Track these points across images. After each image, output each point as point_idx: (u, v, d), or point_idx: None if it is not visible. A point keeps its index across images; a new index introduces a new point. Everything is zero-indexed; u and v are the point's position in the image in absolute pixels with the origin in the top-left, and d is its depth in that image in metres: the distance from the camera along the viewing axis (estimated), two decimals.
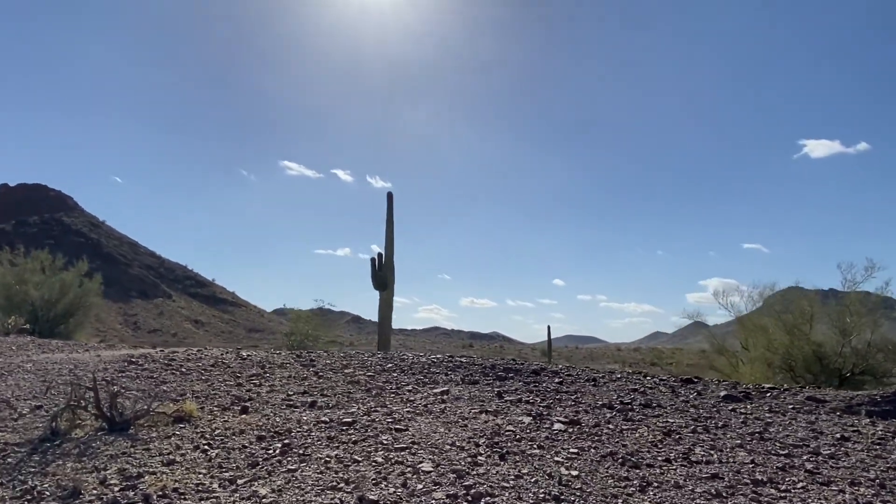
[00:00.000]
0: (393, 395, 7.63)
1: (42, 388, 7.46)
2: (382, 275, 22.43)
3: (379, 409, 6.84)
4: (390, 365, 9.65)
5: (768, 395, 8.43)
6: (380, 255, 23.01)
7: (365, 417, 6.37)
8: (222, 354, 11.13)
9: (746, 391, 8.53)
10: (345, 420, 6.19)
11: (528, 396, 7.75)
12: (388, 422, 6.22)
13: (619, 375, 9.66)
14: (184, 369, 8.87)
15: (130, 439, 5.43)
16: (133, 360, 9.88)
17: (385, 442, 5.48)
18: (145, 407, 6.09)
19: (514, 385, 8.52)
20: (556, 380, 8.89)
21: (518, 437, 5.80)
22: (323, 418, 6.28)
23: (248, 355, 10.93)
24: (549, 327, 30.51)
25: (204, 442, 5.40)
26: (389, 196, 23.84)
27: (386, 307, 22.06)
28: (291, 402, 7.09)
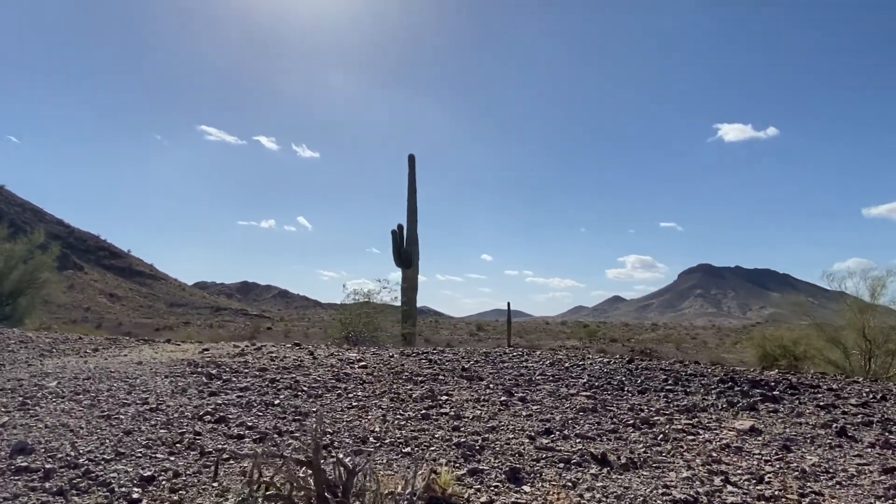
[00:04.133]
0: (684, 436, 5.06)
1: (114, 433, 4.62)
2: (407, 250, 19.73)
3: (714, 471, 4.16)
4: (584, 378, 7.38)
5: None
6: (400, 226, 20.25)
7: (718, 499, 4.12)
8: (300, 355, 8.44)
9: None
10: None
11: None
12: None
13: None
14: (294, 382, 6.18)
15: None
16: (199, 367, 7.04)
17: None
18: (364, 480, 3.54)
19: (814, 411, 6.09)
20: (853, 400, 6.38)
21: None
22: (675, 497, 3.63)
23: (338, 355, 8.30)
24: (508, 304, 28.80)
25: None
26: (411, 159, 20.94)
27: (410, 289, 19.41)
28: (555, 454, 4.37)
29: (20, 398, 5.44)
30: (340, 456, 3.41)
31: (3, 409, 5.08)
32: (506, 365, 7.55)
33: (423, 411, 5.31)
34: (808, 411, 5.96)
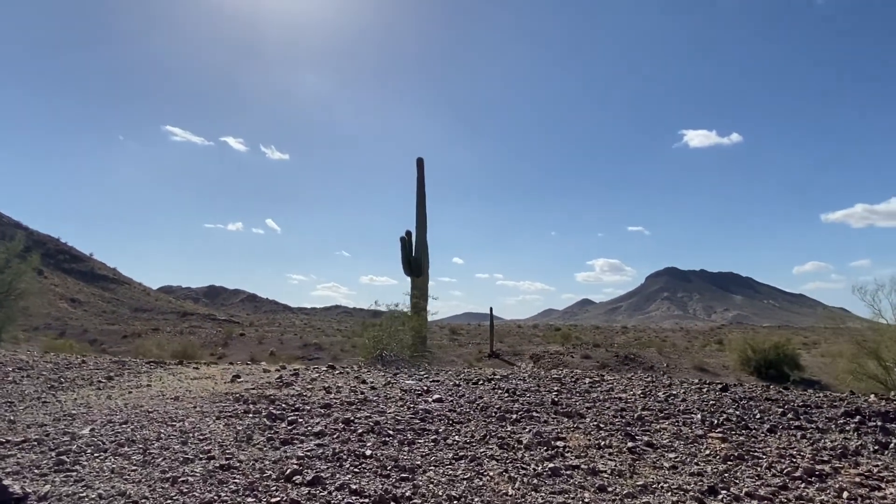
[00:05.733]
0: (868, 491, 4.13)
1: None
2: (417, 258, 18.82)
3: None
4: (696, 414, 6.55)
5: None
6: (408, 233, 19.37)
7: None
8: (352, 383, 7.50)
9: None
10: None
11: None
12: None
13: None
14: (374, 425, 5.24)
15: None
16: (248, 403, 6.07)
17: None
18: None
19: None
20: None
21: None
22: None
23: (394, 383, 7.38)
24: (490, 309, 27.97)
25: None
26: (419, 163, 20.12)
27: (421, 297, 18.48)
28: None
29: (53, 454, 4.43)
30: None
31: (37, 472, 4.07)
32: (595, 396, 6.71)
33: (548, 464, 4.43)
34: None
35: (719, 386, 7.41)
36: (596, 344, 35.24)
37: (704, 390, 7.19)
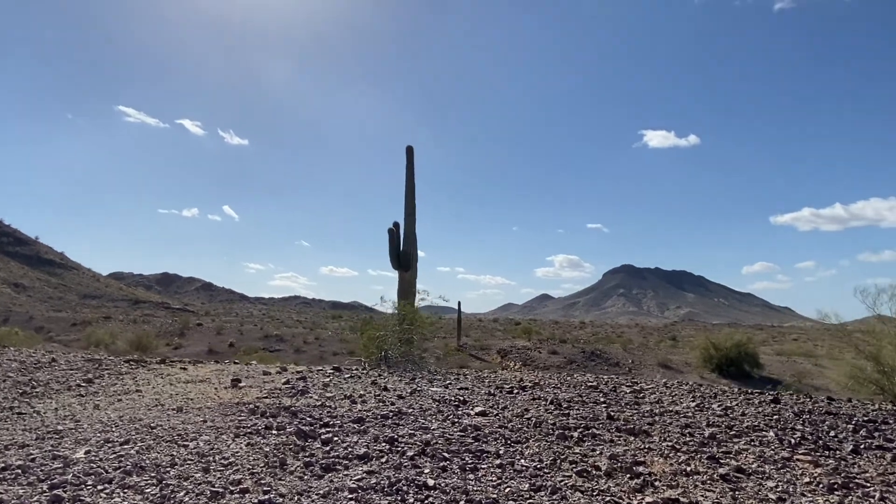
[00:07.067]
0: None
1: None
2: (406, 252, 17.99)
3: None
4: (768, 433, 6.02)
5: None
6: (396, 224, 18.50)
7: None
8: (374, 391, 6.75)
9: None
10: None
11: None
12: None
13: None
14: (424, 445, 4.53)
15: None
16: (266, 416, 5.28)
17: None
18: None
19: None
20: None
21: None
22: None
23: (422, 391, 6.67)
24: (459, 303, 27.47)
25: None
26: (409, 151, 19.22)
27: (409, 293, 17.65)
28: None
29: (45, 486, 3.58)
30: None
31: None
32: (649, 409, 6.14)
33: (642, 497, 3.81)
34: None
35: (770, 397, 6.95)
36: (563, 340, 35.13)
37: (757, 402, 6.72)
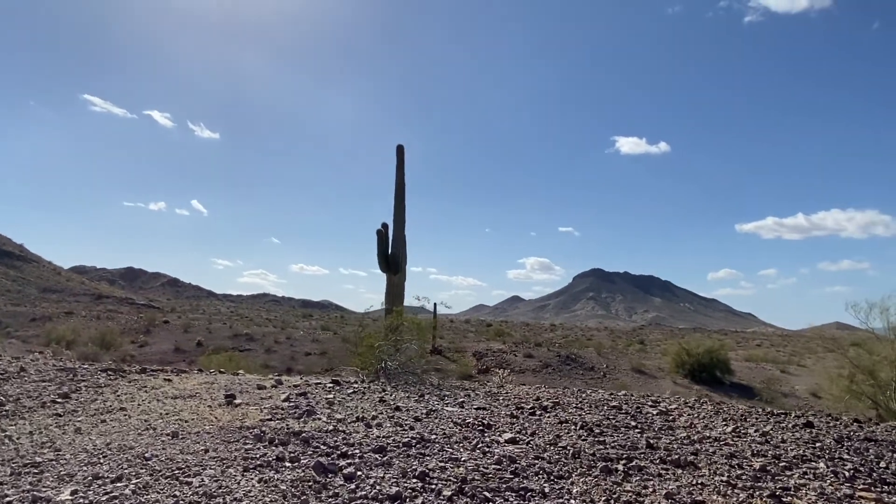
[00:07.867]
0: None
1: None
2: (396, 254, 17.42)
3: None
4: (819, 464, 5.64)
5: None
6: (385, 226, 17.95)
7: None
8: (384, 410, 6.21)
9: None
10: None
11: None
12: None
13: None
14: (461, 483, 4.03)
15: None
16: (275, 444, 4.72)
17: None
18: None
19: None
20: None
21: None
22: None
23: (435, 410, 6.15)
24: (434, 304, 26.89)
25: None
26: (399, 150, 18.70)
27: (397, 297, 17.09)
28: None
29: None
30: None
31: None
32: (685, 436, 5.75)
33: None
34: None
35: (802, 421, 6.64)
36: (537, 343, 35.01)
37: (790, 426, 6.40)
